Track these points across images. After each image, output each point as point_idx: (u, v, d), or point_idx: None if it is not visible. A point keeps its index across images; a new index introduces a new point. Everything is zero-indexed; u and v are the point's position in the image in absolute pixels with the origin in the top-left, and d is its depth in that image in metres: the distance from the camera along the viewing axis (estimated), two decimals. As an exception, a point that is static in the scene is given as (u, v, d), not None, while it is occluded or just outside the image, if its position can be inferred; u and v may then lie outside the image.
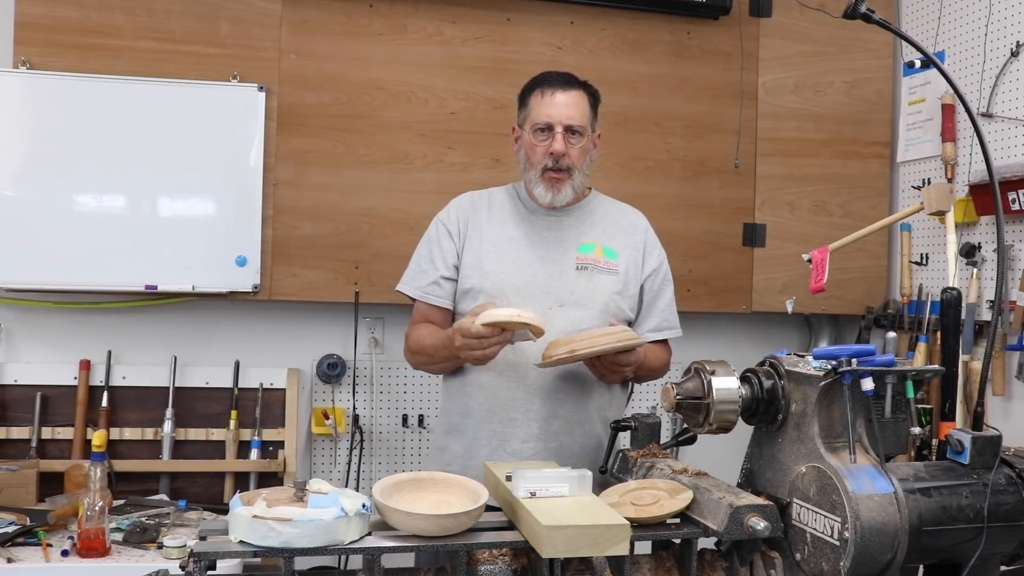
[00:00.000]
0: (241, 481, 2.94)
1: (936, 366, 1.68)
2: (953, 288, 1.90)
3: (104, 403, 2.88)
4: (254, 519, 1.35)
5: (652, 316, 2.16)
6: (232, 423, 2.95)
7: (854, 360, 1.48)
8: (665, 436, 1.87)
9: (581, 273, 2.08)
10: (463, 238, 2.11)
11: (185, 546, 2.28)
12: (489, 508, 1.52)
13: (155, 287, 2.80)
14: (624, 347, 1.91)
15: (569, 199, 2.10)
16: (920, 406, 1.57)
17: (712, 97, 3.22)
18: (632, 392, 2.33)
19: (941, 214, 2.49)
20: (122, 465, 2.83)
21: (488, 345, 1.82)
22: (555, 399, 2.02)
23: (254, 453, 2.95)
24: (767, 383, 1.58)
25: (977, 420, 1.65)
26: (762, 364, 1.64)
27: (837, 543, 1.40)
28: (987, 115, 2.77)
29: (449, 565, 1.51)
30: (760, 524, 1.42)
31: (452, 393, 2.13)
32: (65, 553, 2.31)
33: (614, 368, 1.97)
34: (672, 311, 2.20)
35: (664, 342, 2.20)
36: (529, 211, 2.14)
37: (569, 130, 2.04)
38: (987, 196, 2.72)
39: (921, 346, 2.93)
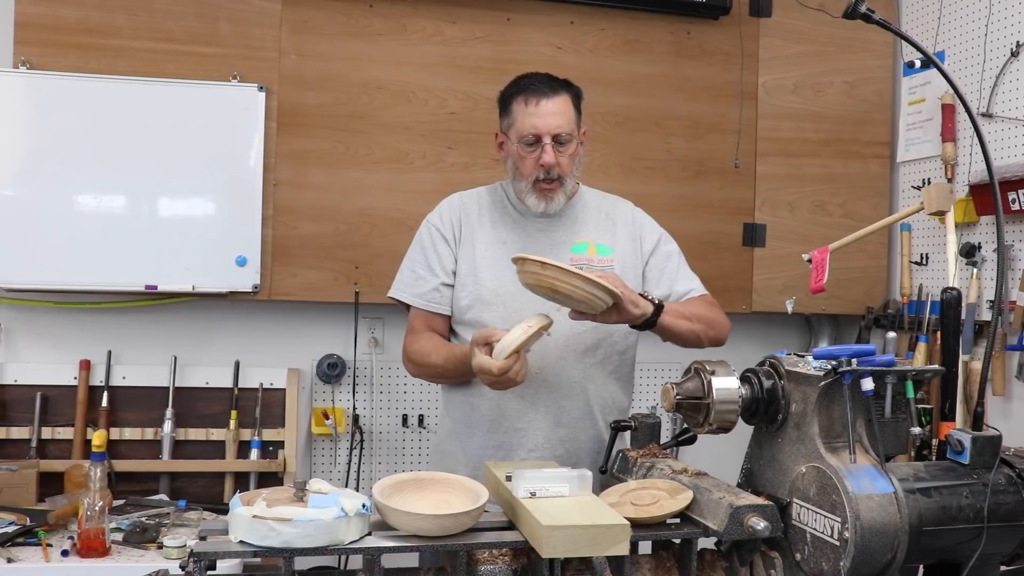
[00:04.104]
0: (241, 481, 2.94)
1: (936, 366, 1.67)
2: (953, 288, 1.89)
3: (104, 403, 2.88)
4: (254, 519, 1.35)
5: (678, 284, 2.10)
6: (232, 423, 2.95)
7: (854, 360, 1.47)
8: (665, 436, 1.87)
9: None
10: (458, 244, 2.07)
11: (185, 546, 2.28)
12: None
13: (155, 287, 2.80)
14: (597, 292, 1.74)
15: (563, 206, 2.06)
16: (920, 406, 1.56)
17: (712, 97, 3.22)
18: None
19: (941, 214, 2.49)
20: (122, 465, 2.83)
21: (517, 373, 1.78)
22: (559, 406, 2.00)
23: (254, 453, 2.95)
24: (767, 383, 1.58)
25: (977, 420, 1.65)
26: (762, 364, 1.63)
27: (837, 543, 1.40)
28: (987, 115, 2.77)
29: (449, 565, 1.51)
30: (760, 524, 1.42)
31: (454, 403, 2.10)
32: (65, 553, 2.31)
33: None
34: (689, 275, 2.12)
35: (704, 297, 2.11)
36: (520, 213, 2.10)
37: (557, 139, 1.98)
38: (987, 196, 2.71)
39: (921, 346, 2.93)
